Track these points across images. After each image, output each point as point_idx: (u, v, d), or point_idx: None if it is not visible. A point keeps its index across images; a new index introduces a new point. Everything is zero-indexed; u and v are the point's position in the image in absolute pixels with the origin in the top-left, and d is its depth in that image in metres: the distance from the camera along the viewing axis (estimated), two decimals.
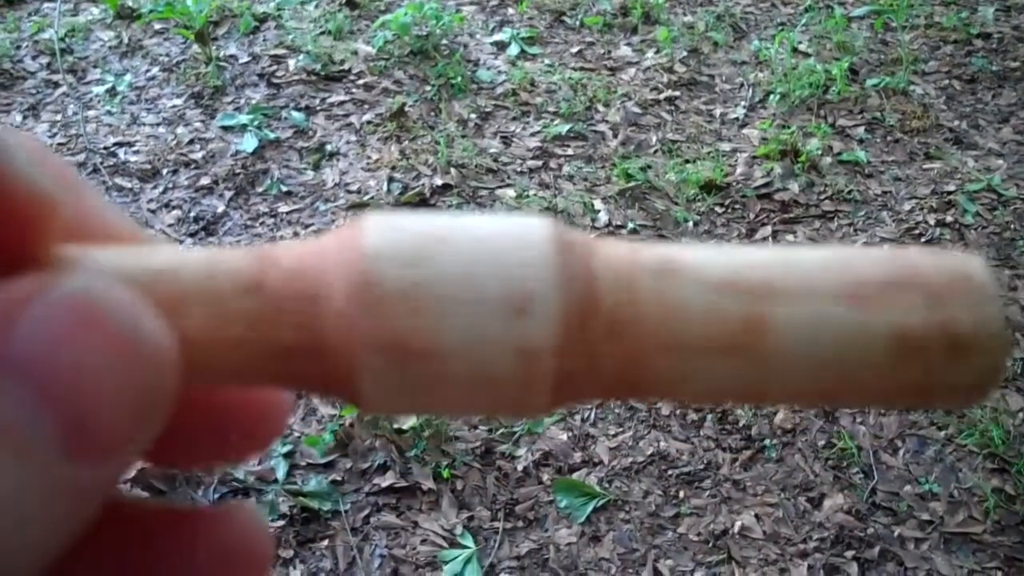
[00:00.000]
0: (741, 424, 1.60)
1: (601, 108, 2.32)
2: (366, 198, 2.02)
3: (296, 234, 1.94)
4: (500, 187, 2.07)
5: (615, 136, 2.24)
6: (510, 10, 2.73)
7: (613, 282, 0.15)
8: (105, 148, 2.18)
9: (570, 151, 2.19)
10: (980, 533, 1.44)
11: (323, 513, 1.45)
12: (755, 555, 1.42)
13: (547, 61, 2.51)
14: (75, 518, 0.13)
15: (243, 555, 0.17)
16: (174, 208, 2.02)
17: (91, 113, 2.30)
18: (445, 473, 1.50)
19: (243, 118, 2.24)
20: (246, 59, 2.48)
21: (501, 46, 2.56)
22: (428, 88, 2.37)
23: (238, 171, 2.10)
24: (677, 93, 2.39)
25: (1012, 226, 1.99)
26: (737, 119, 2.30)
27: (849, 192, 2.07)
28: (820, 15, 2.72)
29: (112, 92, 2.36)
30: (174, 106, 2.32)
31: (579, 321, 0.15)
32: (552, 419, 1.58)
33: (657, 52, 2.55)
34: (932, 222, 2.00)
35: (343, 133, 2.23)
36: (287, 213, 2.00)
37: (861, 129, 2.27)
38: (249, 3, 2.67)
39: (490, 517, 1.46)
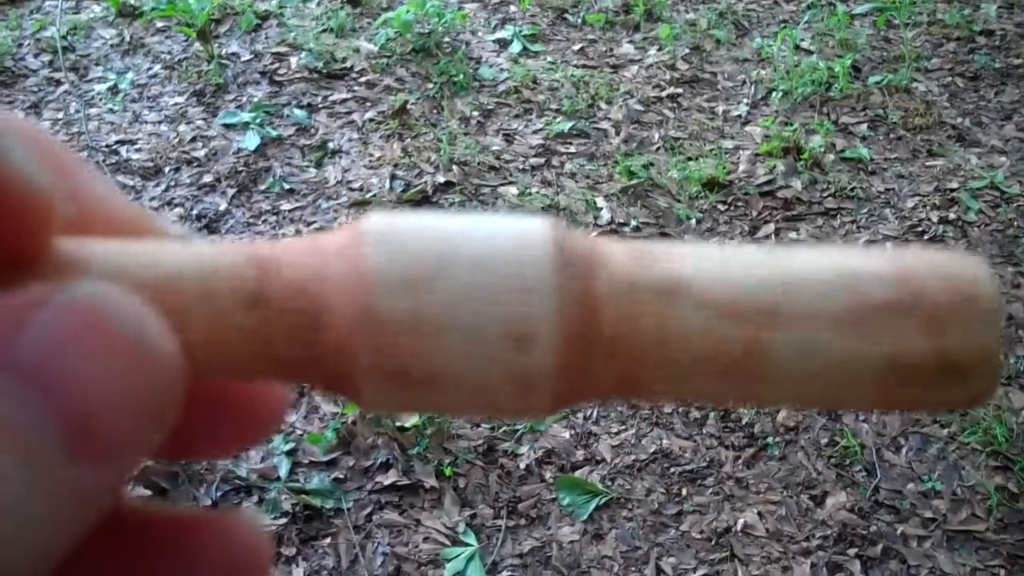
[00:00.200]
0: (744, 422, 1.60)
1: (603, 105, 2.32)
2: (368, 196, 2.02)
3: (298, 232, 1.94)
4: (502, 185, 2.07)
5: (617, 133, 2.23)
6: (512, 7, 2.73)
7: (615, 308, 0.15)
8: (107, 146, 2.18)
9: (572, 148, 2.18)
10: (983, 531, 1.44)
11: (325, 511, 1.45)
12: (758, 553, 1.42)
13: (549, 58, 2.50)
14: (78, 520, 0.13)
15: (243, 566, 0.17)
16: (176, 206, 2.02)
17: (93, 111, 2.30)
18: (447, 471, 1.50)
19: (245, 116, 2.24)
20: (248, 57, 2.48)
21: (503, 43, 2.56)
22: (430, 86, 2.37)
23: (240, 169, 2.10)
24: (679, 90, 2.38)
25: (1015, 223, 1.99)
26: (740, 116, 2.30)
27: (852, 189, 2.07)
28: (822, 12, 2.71)
29: (114, 90, 2.36)
30: (176, 104, 2.32)
31: (579, 347, 0.15)
32: (554, 417, 1.58)
33: (659, 49, 2.54)
34: (935, 219, 2.00)
35: (345, 131, 2.23)
36: (289, 211, 2.00)
37: (864, 126, 2.26)
38: (251, 1, 2.67)
39: (492, 515, 1.46)
